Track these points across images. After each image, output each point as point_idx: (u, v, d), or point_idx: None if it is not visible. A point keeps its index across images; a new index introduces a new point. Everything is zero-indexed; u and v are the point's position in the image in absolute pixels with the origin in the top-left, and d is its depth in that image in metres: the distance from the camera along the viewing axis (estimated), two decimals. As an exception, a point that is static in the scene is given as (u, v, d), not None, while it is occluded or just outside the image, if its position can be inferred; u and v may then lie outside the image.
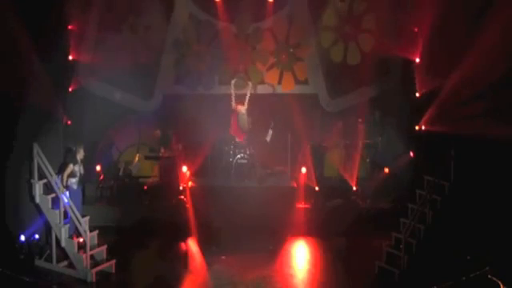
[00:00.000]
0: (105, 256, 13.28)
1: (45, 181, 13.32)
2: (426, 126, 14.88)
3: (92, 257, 13.02)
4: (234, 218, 14.77)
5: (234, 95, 16.21)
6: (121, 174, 16.60)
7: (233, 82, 16.41)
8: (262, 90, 17.00)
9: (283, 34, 17.13)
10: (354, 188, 16.29)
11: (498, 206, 12.78)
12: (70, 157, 13.58)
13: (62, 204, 13.08)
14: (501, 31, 12.53)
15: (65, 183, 13.24)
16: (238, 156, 16.09)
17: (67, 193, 13.26)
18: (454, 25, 13.29)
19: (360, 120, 16.87)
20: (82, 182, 13.58)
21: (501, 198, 12.77)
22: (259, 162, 16.11)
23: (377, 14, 16.45)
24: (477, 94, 12.88)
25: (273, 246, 14.52)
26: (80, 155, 13.48)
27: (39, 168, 13.27)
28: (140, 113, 16.95)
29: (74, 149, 13.51)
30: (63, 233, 13.02)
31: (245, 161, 16.09)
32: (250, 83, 16.56)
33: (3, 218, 13.03)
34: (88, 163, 14.62)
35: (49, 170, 13.19)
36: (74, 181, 13.48)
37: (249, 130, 16.12)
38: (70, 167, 13.35)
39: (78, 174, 13.45)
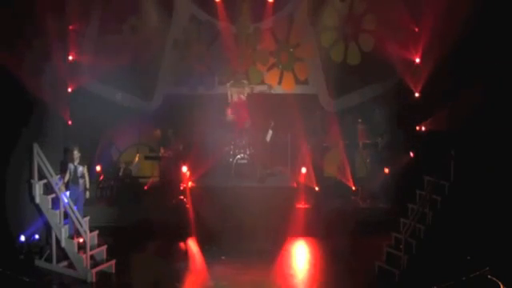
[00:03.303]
0: (105, 256, 13.30)
1: (45, 181, 13.34)
2: (426, 126, 14.91)
3: (92, 257, 13.04)
4: (233, 218, 14.78)
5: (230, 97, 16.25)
6: (121, 174, 16.61)
7: (228, 84, 16.40)
8: (259, 90, 17.03)
9: (283, 34, 17.16)
10: (354, 188, 16.29)
11: (497, 205, 12.79)
12: (68, 157, 13.67)
13: (61, 204, 13.10)
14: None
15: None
16: (238, 156, 16.11)
17: (67, 193, 13.28)
18: (455, 24, 13.30)
19: (360, 120, 16.86)
20: (77, 182, 13.56)
21: (501, 198, 12.78)
22: (259, 162, 16.10)
23: (377, 14, 16.45)
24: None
25: (273, 246, 14.52)
26: (75, 155, 13.49)
27: (39, 168, 13.29)
28: (140, 113, 16.96)
29: (71, 149, 13.58)
30: (63, 233, 13.03)
31: (245, 161, 16.11)
32: (245, 82, 16.53)
33: (3, 218, 13.03)
34: (88, 163, 14.63)
35: (49, 170, 13.21)
36: (81, 182, 13.51)
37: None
38: (70, 167, 13.45)
39: (73, 174, 13.47)
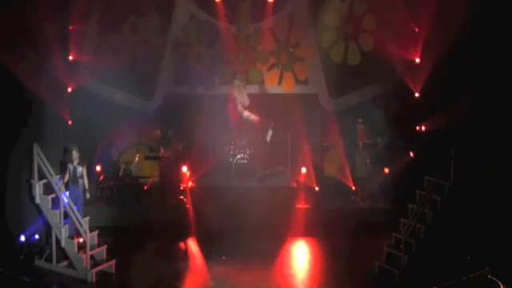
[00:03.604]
0: (105, 256, 13.29)
1: (45, 181, 13.34)
2: (426, 126, 14.91)
3: (92, 257, 13.03)
4: (233, 218, 14.78)
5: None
6: (121, 174, 16.61)
7: (235, 81, 16.40)
8: (259, 90, 17.03)
9: (284, 34, 17.16)
10: (354, 188, 16.29)
11: (497, 205, 12.79)
12: (67, 157, 13.70)
13: (61, 204, 13.10)
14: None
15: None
16: (238, 156, 16.11)
17: (67, 193, 13.28)
18: (455, 24, 13.30)
19: (360, 120, 16.87)
20: (77, 182, 13.57)
21: (501, 198, 12.78)
22: (259, 162, 16.10)
23: (377, 14, 16.46)
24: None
25: (273, 246, 14.52)
26: (74, 155, 13.49)
27: (39, 168, 13.29)
28: (140, 113, 16.96)
29: (70, 149, 13.60)
30: (63, 233, 13.03)
31: (245, 161, 16.11)
32: (236, 82, 16.48)
33: (3, 218, 13.04)
34: (88, 163, 14.65)
35: (49, 170, 13.21)
36: (81, 182, 13.51)
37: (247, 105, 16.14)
38: (69, 167, 13.47)
39: (72, 174, 13.48)
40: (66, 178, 13.52)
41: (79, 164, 13.54)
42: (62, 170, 13.84)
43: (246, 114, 16.15)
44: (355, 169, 16.73)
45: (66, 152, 13.91)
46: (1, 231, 12.95)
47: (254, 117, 16.16)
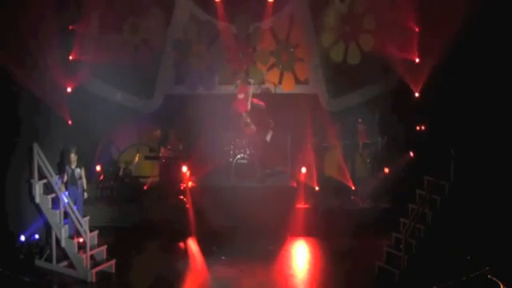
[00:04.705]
0: (105, 256, 13.30)
1: (45, 181, 13.34)
2: (426, 126, 14.93)
3: (92, 257, 13.04)
4: (233, 218, 14.79)
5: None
6: (121, 173, 16.60)
7: (238, 80, 16.40)
8: (262, 90, 17.04)
9: (284, 34, 17.17)
10: (354, 188, 16.28)
11: (497, 205, 12.80)
12: (65, 159, 13.73)
13: (62, 204, 13.10)
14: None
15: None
16: (238, 156, 16.11)
17: (67, 193, 13.28)
18: (455, 23, 13.32)
19: (360, 120, 16.87)
20: (75, 183, 13.57)
21: (501, 198, 12.79)
22: (259, 162, 16.10)
23: (377, 14, 16.46)
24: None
25: (273, 246, 14.53)
26: (72, 158, 13.48)
27: (39, 168, 13.29)
28: (140, 113, 16.96)
29: (68, 151, 13.59)
30: (63, 233, 13.04)
31: (245, 161, 16.10)
32: (251, 81, 16.54)
33: (3, 218, 13.04)
34: (88, 163, 14.64)
35: (49, 170, 13.21)
36: (79, 183, 13.51)
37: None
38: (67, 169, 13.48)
39: (70, 176, 13.47)
40: (65, 179, 13.51)
41: (77, 166, 13.52)
42: (60, 171, 13.82)
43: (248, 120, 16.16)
44: (355, 169, 16.73)
45: (65, 154, 13.91)
46: (1, 231, 12.96)
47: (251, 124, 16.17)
